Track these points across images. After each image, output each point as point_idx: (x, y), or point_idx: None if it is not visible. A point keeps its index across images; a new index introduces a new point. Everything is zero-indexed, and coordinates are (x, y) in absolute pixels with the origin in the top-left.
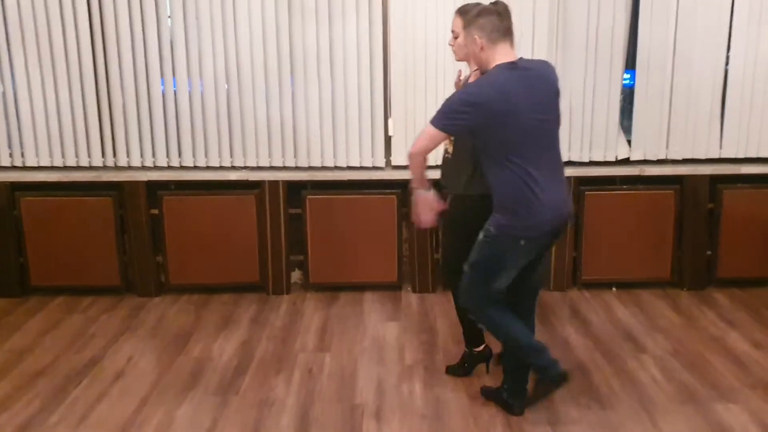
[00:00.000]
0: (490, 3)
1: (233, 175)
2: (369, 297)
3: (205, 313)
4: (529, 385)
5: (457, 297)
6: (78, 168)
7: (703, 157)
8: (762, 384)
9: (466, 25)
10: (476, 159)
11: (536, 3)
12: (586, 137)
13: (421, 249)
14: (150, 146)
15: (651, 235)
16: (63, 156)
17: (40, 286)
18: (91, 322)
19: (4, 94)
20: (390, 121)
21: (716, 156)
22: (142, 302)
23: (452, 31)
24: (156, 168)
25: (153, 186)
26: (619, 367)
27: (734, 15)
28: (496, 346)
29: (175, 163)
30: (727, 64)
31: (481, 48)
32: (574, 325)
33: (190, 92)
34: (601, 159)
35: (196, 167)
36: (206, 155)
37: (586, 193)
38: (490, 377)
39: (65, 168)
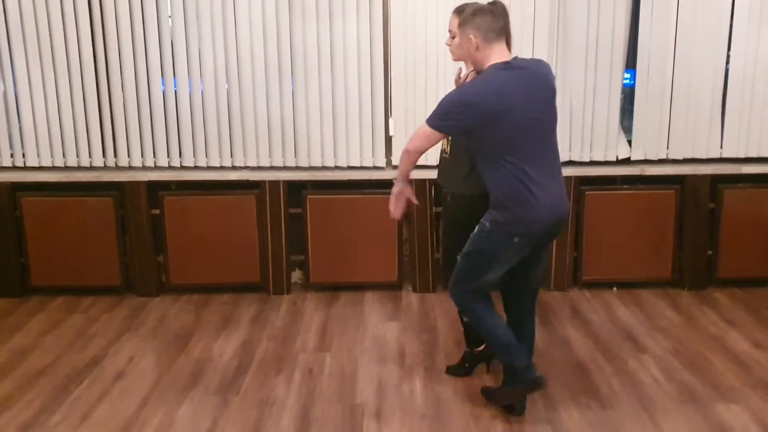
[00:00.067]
0: (488, 3)
1: (234, 175)
2: (369, 297)
3: (206, 313)
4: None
5: None
6: (79, 168)
7: (703, 156)
8: (762, 384)
9: (462, 25)
10: (473, 159)
11: (537, 3)
12: (586, 137)
13: (422, 249)
14: (151, 146)
15: (651, 235)
16: (64, 156)
17: (41, 286)
18: (91, 322)
19: (5, 93)
20: (390, 121)
21: (717, 156)
22: (142, 302)
23: (449, 31)
24: (157, 168)
25: (154, 186)
26: (619, 366)
27: (734, 14)
28: None
29: (175, 163)
30: (727, 63)
31: (477, 47)
32: (574, 324)
33: (190, 92)
34: (601, 159)
35: (196, 167)
36: (207, 155)
37: (587, 193)
38: (490, 377)
39: (66, 168)
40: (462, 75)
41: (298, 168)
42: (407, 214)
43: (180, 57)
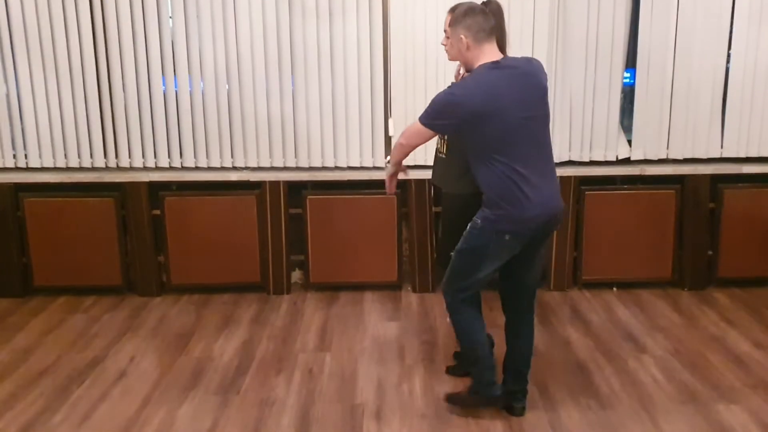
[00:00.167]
0: (481, 2)
1: (234, 176)
2: (369, 297)
3: (206, 313)
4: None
5: None
6: (80, 169)
7: (703, 156)
8: (763, 384)
9: (453, 24)
10: (467, 158)
11: (536, 2)
12: (586, 137)
13: (421, 249)
14: (151, 147)
15: (651, 235)
16: (66, 157)
17: (42, 286)
18: (93, 321)
19: (7, 95)
20: (390, 121)
21: (717, 155)
22: (143, 302)
23: (444, 31)
24: (157, 169)
25: (154, 186)
26: (619, 367)
27: (735, 13)
28: (496, 346)
29: (176, 163)
30: (727, 62)
31: (467, 47)
32: (574, 325)
33: (191, 93)
34: (601, 159)
35: (197, 168)
36: (207, 156)
37: (587, 192)
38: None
39: (68, 169)
40: (461, 73)
41: (298, 168)
42: (406, 215)
43: (180, 57)
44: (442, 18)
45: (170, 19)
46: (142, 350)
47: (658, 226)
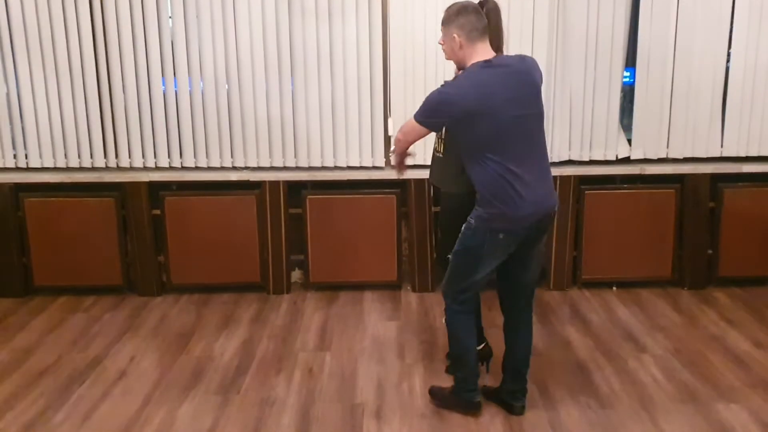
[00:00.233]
0: (479, 1)
1: (234, 176)
2: (369, 296)
3: (206, 313)
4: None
5: None
6: (80, 169)
7: (703, 155)
8: (763, 383)
9: (445, 23)
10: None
11: (536, 1)
12: (586, 136)
13: (421, 248)
14: (151, 147)
15: (651, 234)
16: (66, 157)
17: (43, 285)
18: (93, 321)
19: (7, 95)
20: (390, 121)
21: (717, 154)
22: (143, 302)
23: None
24: (157, 169)
25: (155, 186)
26: (619, 366)
27: (735, 12)
28: (495, 346)
29: (176, 163)
30: (728, 61)
31: (460, 46)
32: (574, 324)
33: (190, 92)
34: (601, 158)
35: (197, 168)
36: (207, 156)
37: (587, 192)
38: (490, 376)
39: (68, 169)
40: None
41: (297, 168)
42: (406, 214)
43: (180, 58)
44: (441, 19)
45: (170, 20)
46: (143, 350)
47: (658, 226)
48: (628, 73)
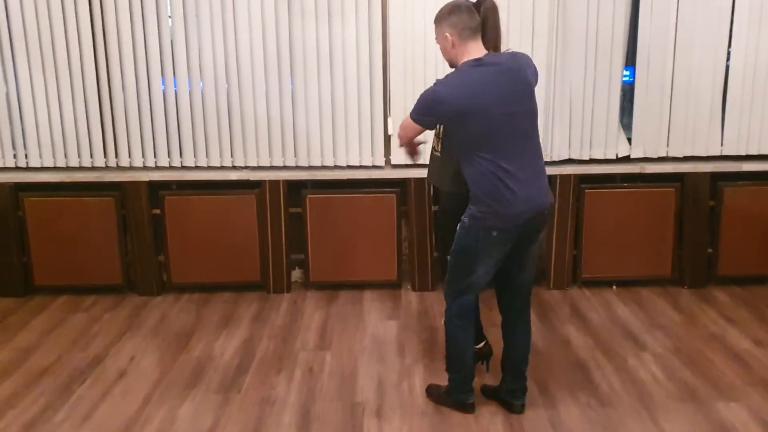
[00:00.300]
0: (475, 3)
1: (234, 175)
2: (369, 295)
3: (207, 312)
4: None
5: None
6: (80, 168)
7: (703, 154)
8: (763, 382)
9: (438, 21)
10: None
11: (536, 0)
12: (586, 135)
13: (421, 248)
14: (151, 146)
15: (651, 233)
16: (66, 157)
17: (43, 285)
18: (93, 321)
19: (7, 95)
20: (389, 121)
21: (717, 153)
22: (144, 301)
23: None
24: (157, 168)
25: (154, 186)
26: (619, 365)
27: (735, 11)
28: (495, 344)
29: (176, 163)
30: (727, 60)
31: (452, 45)
32: (574, 323)
33: (190, 92)
34: (601, 157)
35: (197, 167)
36: (207, 155)
37: (587, 191)
38: (490, 375)
39: (68, 168)
40: None
41: (297, 167)
42: (406, 213)
43: (180, 57)
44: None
45: (169, 20)
46: (143, 349)
47: (657, 224)
48: (627, 72)
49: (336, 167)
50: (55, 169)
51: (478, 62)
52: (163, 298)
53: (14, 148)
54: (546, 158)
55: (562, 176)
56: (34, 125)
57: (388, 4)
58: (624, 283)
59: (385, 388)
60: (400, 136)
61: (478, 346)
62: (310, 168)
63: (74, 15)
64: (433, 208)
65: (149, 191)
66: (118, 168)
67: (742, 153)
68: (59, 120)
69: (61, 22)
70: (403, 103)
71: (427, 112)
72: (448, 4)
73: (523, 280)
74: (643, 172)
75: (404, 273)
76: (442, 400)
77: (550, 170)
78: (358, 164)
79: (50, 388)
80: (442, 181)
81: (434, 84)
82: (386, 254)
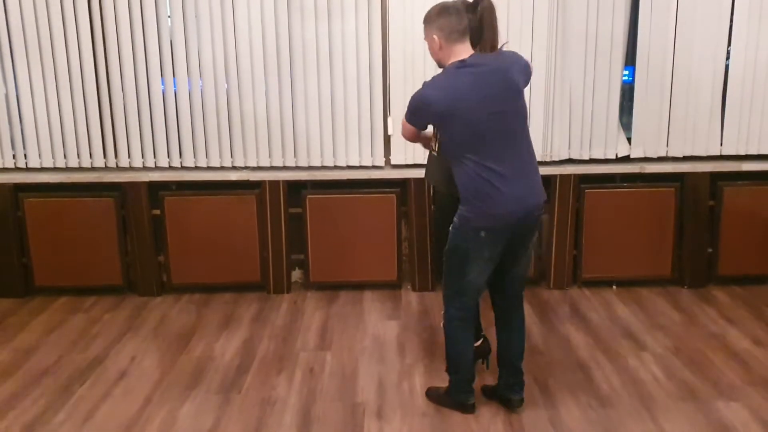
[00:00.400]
0: (472, 3)
1: (234, 176)
2: (369, 296)
3: (207, 313)
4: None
5: None
6: (80, 169)
7: (703, 154)
8: (763, 381)
9: (426, 23)
10: None
11: (536, 0)
12: (585, 135)
13: (421, 248)
14: (151, 147)
15: (651, 233)
16: (65, 157)
17: (43, 286)
18: (94, 321)
19: (6, 95)
20: (389, 121)
21: (717, 153)
22: (144, 302)
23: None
24: (157, 169)
25: (154, 186)
26: (619, 365)
27: (735, 10)
28: (493, 342)
29: (176, 163)
30: (727, 59)
31: (440, 47)
32: (574, 323)
33: (190, 92)
34: (601, 157)
35: (197, 167)
36: (207, 156)
37: (586, 191)
38: (490, 374)
39: (67, 169)
40: None
41: (297, 168)
42: (406, 214)
43: (179, 57)
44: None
45: (169, 20)
46: (143, 350)
47: (657, 224)
48: (627, 72)
49: (336, 167)
50: (55, 169)
51: (462, 64)
52: (163, 298)
53: (14, 148)
54: (546, 158)
55: (562, 176)
56: (34, 126)
57: (388, 4)
58: (624, 283)
59: (386, 389)
60: (403, 135)
61: (476, 344)
62: (310, 168)
63: (74, 16)
64: (432, 208)
65: (149, 192)
66: (118, 168)
67: (742, 153)
68: (59, 120)
69: (61, 22)
70: (403, 103)
71: (415, 114)
72: (437, 5)
73: (515, 277)
74: (642, 172)
75: (404, 273)
76: (443, 401)
77: (550, 170)
78: (357, 164)
79: (50, 389)
80: (438, 181)
81: (422, 86)
82: (386, 254)
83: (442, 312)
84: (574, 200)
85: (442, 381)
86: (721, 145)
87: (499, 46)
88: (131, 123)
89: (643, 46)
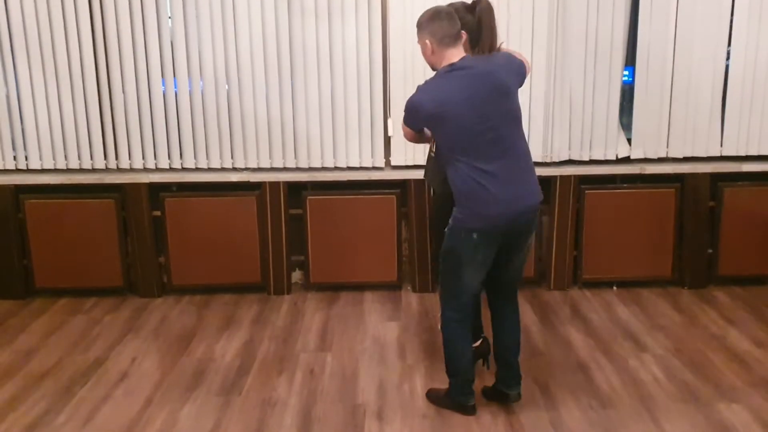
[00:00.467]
0: (472, 1)
1: (234, 177)
2: (369, 297)
3: (207, 314)
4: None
5: None
6: (81, 170)
7: (703, 155)
8: (763, 382)
9: (419, 28)
10: None
11: (536, 1)
12: (586, 136)
13: (421, 249)
14: (151, 148)
15: (652, 234)
16: (66, 158)
17: (44, 287)
18: (94, 323)
19: (7, 96)
20: (389, 122)
21: (717, 154)
22: (144, 303)
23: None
24: (157, 170)
25: (155, 188)
26: (620, 366)
27: (735, 10)
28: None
29: (176, 164)
30: (727, 59)
31: (432, 51)
32: (574, 324)
33: (190, 93)
34: (601, 157)
35: (197, 169)
36: (207, 157)
37: (587, 192)
38: (491, 375)
39: (68, 170)
40: None
41: (298, 169)
42: (406, 214)
43: (180, 58)
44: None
45: (169, 20)
46: (144, 351)
47: (658, 225)
48: (626, 72)
49: (336, 168)
50: (56, 170)
51: (451, 67)
52: (164, 299)
53: (14, 149)
54: (546, 159)
55: (562, 177)
56: (35, 127)
57: (388, 4)
58: (624, 284)
59: (386, 390)
60: (404, 137)
61: (476, 344)
62: (311, 169)
63: (74, 16)
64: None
65: (149, 193)
66: (119, 170)
67: (742, 153)
68: (59, 122)
69: (61, 23)
70: (403, 104)
71: (409, 117)
72: (429, 10)
73: (510, 277)
74: (643, 172)
75: (404, 274)
76: (443, 403)
77: (550, 171)
78: (358, 165)
79: (51, 391)
80: (435, 182)
81: (416, 90)
82: (386, 255)
83: (442, 326)
84: (575, 201)
85: (443, 382)
86: (722, 145)
87: (497, 47)
88: (132, 124)
89: (643, 46)
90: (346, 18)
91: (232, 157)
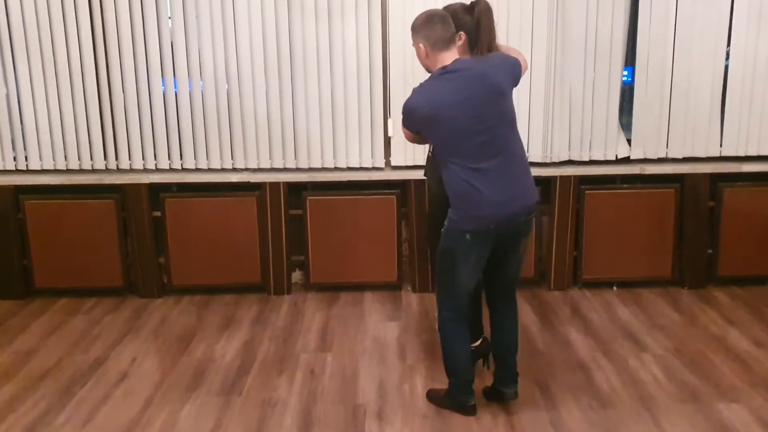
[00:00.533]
0: (471, 1)
1: (234, 177)
2: (369, 297)
3: (207, 314)
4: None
5: None
6: (81, 171)
7: (703, 155)
8: (763, 382)
9: (413, 31)
10: None
11: (535, 1)
12: (585, 136)
13: (421, 249)
14: (152, 148)
15: (651, 234)
16: (66, 159)
17: (44, 287)
18: (94, 323)
19: (7, 97)
20: (389, 122)
21: (716, 154)
22: (144, 303)
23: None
24: (158, 170)
25: (155, 188)
26: (620, 366)
27: (734, 11)
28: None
29: (176, 165)
30: (727, 60)
31: (426, 55)
32: (574, 324)
33: (190, 93)
34: (601, 158)
35: (197, 169)
36: (207, 157)
37: (587, 192)
38: (491, 374)
39: (68, 171)
40: None
41: (298, 169)
42: (406, 215)
43: (180, 58)
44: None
45: (169, 20)
46: (144, 351)
47: (657, 225)
48: (626, 73)
49: (336, 169)
50: (56, 171)
51: (444, 70)
52: (164, 300)
53: (14, 150)
54: (546, 159)
55: (562, 177)
56: (34, 127)
57: (388, 4)
58: (624, 284)
59: (387, 390)
60: (405, 137)
61: (475, 344)
62: (311, 170)
63: (74, 17)
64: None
65: (149, 193)
66: (119, 170)
67: (742, 154)
68: (59, 122)
69: (61, 23)
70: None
71: (406, 119)
72: (423, 14)
73: (506, 278)
74: (642, 173)
75: (404, 274)
76: (443, 403)
77: (550, 171)
78: (358, 166)
79: (51, 391)
80: (433, 182)
81: (411, 92)
82: (386, 256)
83: (439, 326)
84: (575, 201)
85: (443, 383)
86: (721, 146)
87: (496, 47)
88: (132, 124)
89: (642, 46)
90: (346, 18)
91: (232, 158)
